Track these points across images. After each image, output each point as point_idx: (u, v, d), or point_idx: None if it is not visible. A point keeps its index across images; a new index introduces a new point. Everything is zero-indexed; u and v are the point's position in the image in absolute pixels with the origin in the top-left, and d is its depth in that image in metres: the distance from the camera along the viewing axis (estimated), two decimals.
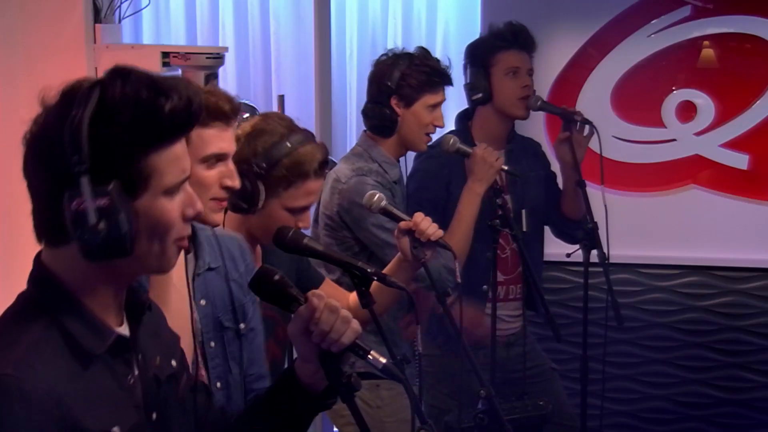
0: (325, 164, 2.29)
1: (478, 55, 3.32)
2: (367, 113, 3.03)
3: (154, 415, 1.43)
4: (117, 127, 1.28)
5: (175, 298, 1.82)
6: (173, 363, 1.51)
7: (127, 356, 1.40)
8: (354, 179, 2.88)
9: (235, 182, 1.95)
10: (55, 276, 1.35)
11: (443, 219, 3.07)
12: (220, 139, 1.90)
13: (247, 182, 2.19)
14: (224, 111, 1.90)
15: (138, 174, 1.31)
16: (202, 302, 1.96)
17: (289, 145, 2.23)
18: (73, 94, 1.30)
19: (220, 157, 1.92)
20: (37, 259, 1.38)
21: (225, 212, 2.23)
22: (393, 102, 2.98)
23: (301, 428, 1.62)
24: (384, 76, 2.98)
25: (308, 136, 2.30)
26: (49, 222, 1.32)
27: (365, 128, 3.10)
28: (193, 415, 1.56)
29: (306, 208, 2.29)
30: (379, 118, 2.99)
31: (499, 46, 3.31)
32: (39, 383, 1.25)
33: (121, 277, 1.39)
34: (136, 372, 1.41)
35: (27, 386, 1.24)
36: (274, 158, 2.21)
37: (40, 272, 1.37)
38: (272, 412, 1.60)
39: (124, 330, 1.41)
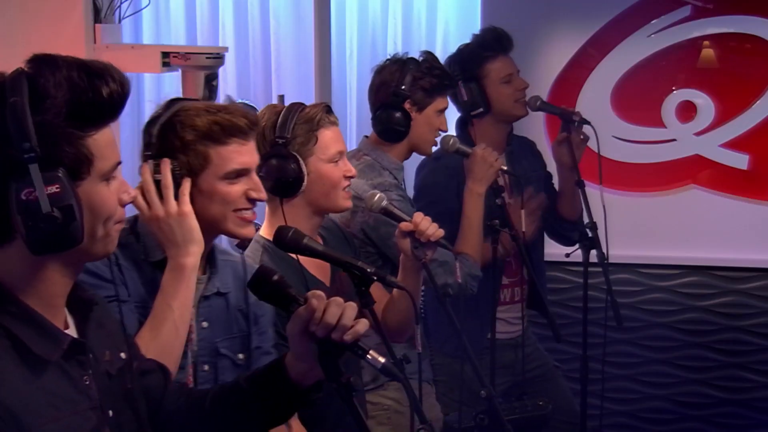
0: (330, 110, 2.38)
1: (467, 70, 3.28)
2: (380, 119, 2.98)
3: (111, 413, 1.41)
4: (57, 113, 1.27)
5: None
6: (122, 355, 1.49)
7: (80, 358, 1.37)
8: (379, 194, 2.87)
9: (261, 194, 1.96)
10: (2, 282, 1.31)
11: (458, 228, 3.06)
12: (239, 154, 1.91)
13: (287, 163, 2.26)
14: (239, 126, 1.90)
15: (81, 159, 1.30)
16: (204, 324, 1.97)
17: (291, 113, 2.31)
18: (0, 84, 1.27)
19: (241, 173, 1.92)
20: None
21: (281, 203, 2.31)
22: (407, 107, 2.97)
23: (282, 419, 1.62)
24: (396, 80, 2.96)
25: (300, 103, 2.37)
26: None
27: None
28: (143, 402, 1.53)
29: (341, 154, 2.38)
30: (395, 123, 2.96)
31: (486, 57, 3.29)
32: None
33: (66, 271, 1.36)
34: (90, 372, 1.38)
35: None
36: (288, 128, 2.28)
37: None
38: (254, 401, 1.57)
39: (72, 331, 1.39)
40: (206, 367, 1.96)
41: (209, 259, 2.01)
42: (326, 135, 2.34)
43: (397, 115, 2.95)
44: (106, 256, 1.41)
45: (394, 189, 2.89)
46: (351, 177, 2.41)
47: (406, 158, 3.09)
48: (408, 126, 2.97)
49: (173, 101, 1.95)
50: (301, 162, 2.28)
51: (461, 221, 3.00)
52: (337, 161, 2.36)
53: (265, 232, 2.37)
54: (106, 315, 1.53)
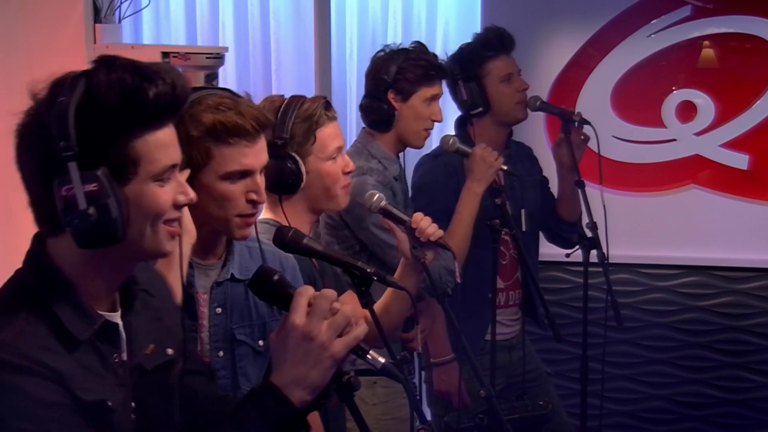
0: (329, 104, 2.37)
1: (468, 68, 3.28)
2: (364, 108, 3.03)
3: (132, 404, 1.43)
4: (103, 112, 1.30)
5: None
6: (169, 351, 1.51)
7: (114, 339, 1.41)
8: (355, 179, 2.85)
9: (261, 197, 1.94)
10: (53, 261, 1.37)
11: None
12: (243, 156, 1.89)
13: (285, 163, 2.25)
14: (244, 129, 1.88)
15: (126, 159, 1.33)
16: (218, 310, 1.97)
17: (289, 109, 2.30)
18: (60, 84, 1.32)
19: (243, 174, 1.91)
20: (37, 241, 1.40)
21: (280, 201, 2.31)
22: (390, 96, 2.98)
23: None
24: (381, 70, 2.99)
25: (299, 96, 2.36)
26: (44, 211, 1.35)
27: (364, 125, 3.10)
28: (177, 402, 1.53)
29: (339, 150, 2.37)
30: (377, 112, 2.99)
31: (487, 56, 3.29)
32: (30, 360, 1.28)
33: (117, 264, 1.40)
34: (125, 355, 1.42)
35: (21, 362, 1.28)
36: (286, 127, 2.28)
37: (38, 256, 1.39)
38: None
39: (115, 317, 1.42)
40: (221, 353, 1.96)
41: (227, 244, 2.01)
42: (325, 133, 2.33)
43: (379, 104, 2.98)
44: (159, 255, 1.44)
45: (374, 173, 2.90)
46: (349, 172, 2.41)
47: (399, 150, 3.08)
48: (389, 115, 2.98)
49: (193, 90, 1.94)
50: (300, 162, 2.28)
51: (453, 216, 3.01)
52: (335, 157, 2.36)
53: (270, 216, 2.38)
54: (166, 310, 1.56)
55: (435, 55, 3.07)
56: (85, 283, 1.38)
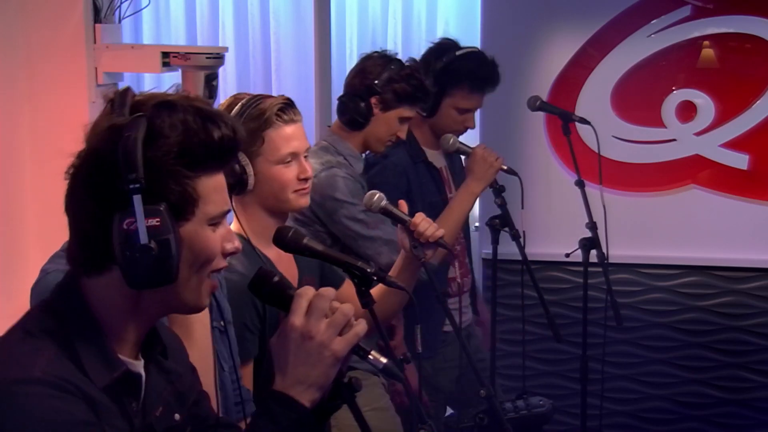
0: (287, 107, 2.25)
1: (442, 78, 3.21)
2: (344, 104, 2.99)
3: None
4: (168, 151, 1.31)
5: (198, 324, 1.82)
6: (176, 416, 1.48)
7: (135, 389, 1.40)
8: (324, 173, 2.87)
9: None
10: (88, 302, 1.36)
11: None
12: None
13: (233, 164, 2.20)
14: None
15: (185, 198, 1.33)
16: None
17: (244, 107, 2.22)
18: (119, 126, 1.31)
19: None
20: (74, 277, 1.38)
21: (230, 199, 2.25)
22: (373, 101, 2.97)
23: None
24: (372, 74, 2.96)
25: (263, 95, 2.29)
26: (92, 249, 1.33)
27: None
28: None
29: (295, 155, 2.26)
30: (355, 111, 2.97)
31: (466, 86, 3.23)
32: (66, 381, 1.27)
33: (152, 312, 1.39)
34: (141, 401, 1.40)
35: (63, 385, 1.26)
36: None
37: (73, 292, 1.37)
38: None
39: (138, 366, 1.41)
40: None
41: None
42: (276, 135, 2.23)
43: (361, 105, 2.96)
44: (195, 309, 1.42)
45: (342, 167, 2.90)
46: (306, 178, 2.30)
47: (362, 151, 3.08)
48: (367, 119, 2.97)
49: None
50: (246, 163, 2.19)
51: (444, 210, 3.02)
52: (289, 161, 2.25)
53: (233, 225, 2.32)
54: (178, 374, 1.53)
55: (426, 83, 3.03)
56: (114, 327, 1.37)
